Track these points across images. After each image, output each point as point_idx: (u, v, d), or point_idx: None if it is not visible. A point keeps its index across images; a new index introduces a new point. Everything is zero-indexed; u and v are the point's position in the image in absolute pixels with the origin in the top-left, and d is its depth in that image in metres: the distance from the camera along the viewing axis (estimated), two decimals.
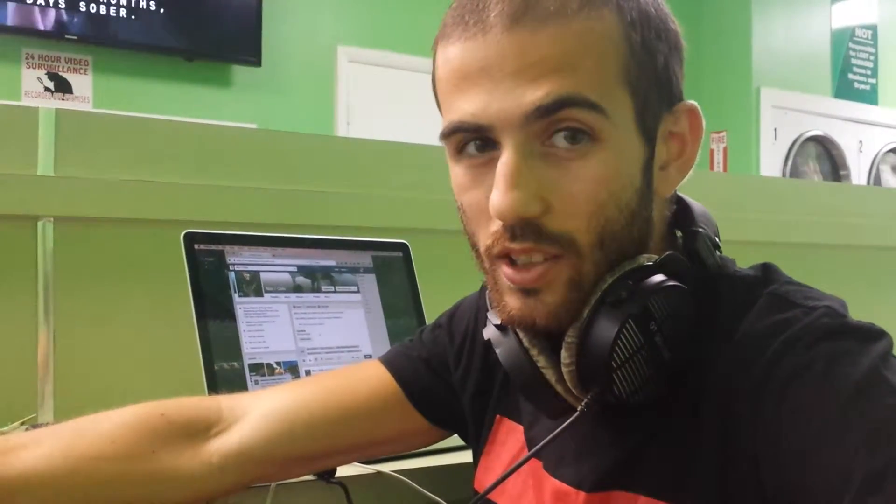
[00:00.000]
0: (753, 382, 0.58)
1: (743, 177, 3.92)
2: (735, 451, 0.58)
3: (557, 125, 0.60)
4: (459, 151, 0.65)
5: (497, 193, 0.60)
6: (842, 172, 5.40)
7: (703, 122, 0.67)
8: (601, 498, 0.67)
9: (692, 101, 0.67)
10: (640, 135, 0.63)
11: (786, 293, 0.63)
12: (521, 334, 0.66)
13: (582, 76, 0.59)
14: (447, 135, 0.64)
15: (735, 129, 5.08)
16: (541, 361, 0.65)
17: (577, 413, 0.63)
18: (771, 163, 5.06)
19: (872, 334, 0.59)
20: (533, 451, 0.65)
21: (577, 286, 0.62)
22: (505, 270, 0.63)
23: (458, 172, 0.66)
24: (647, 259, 0.63)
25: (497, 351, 0.68)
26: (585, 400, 0.63)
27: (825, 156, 5.38)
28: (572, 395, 0.65)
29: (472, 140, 0.63)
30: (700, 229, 0.67)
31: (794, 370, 0.57)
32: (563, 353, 0.63)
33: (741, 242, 1.85)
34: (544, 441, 0.64)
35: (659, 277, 0.62)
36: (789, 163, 5.15)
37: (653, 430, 0.65)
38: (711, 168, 5.10)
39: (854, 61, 5.55)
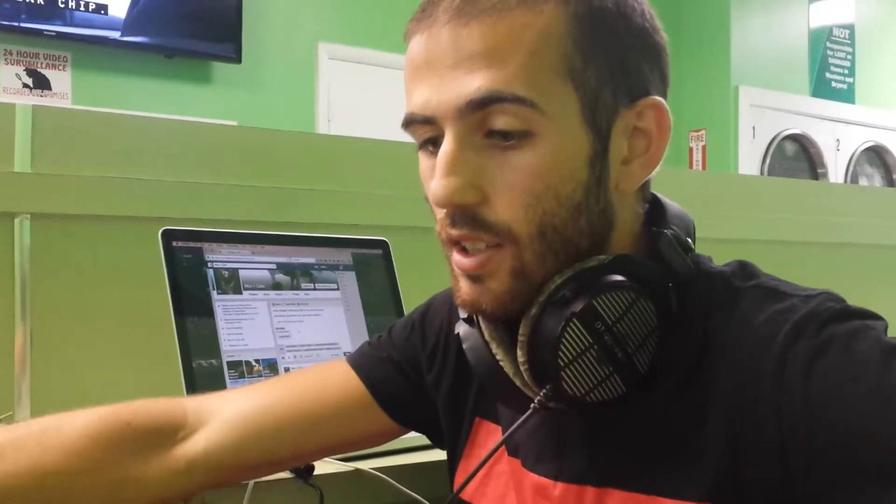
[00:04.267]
0: (769, 371, 0.58)
1: (721, 174, 3.94)
2: (752, 440, 0.58)
3: (490, 118, 0.61)
4: (422, 144, 0.67)
5: (434, 180, 0.63)
6: (819, 171, 5.44)
7: (671, 119, 0.67)
8: (578, 490, 0.67)
9: (657, 97, 0.66)
10: (587, 128, 0.63)
11: (775, 286, 0.64)
12: (483, 327, 0.68)
13: (513, 71, 0.60)
14: (404, 126, 0.67)
15: (714, 127, 5.10)
16: (499, 354, 0.67)
17: (531, 410, 0.64)
18: (749, 161, 5.09)
19: (874, 315, 0.61)
20: (497, 444, 0.68)
21: (520, 275, 0.63)
22: (454, 256, 0.66)
23: (421, 163, 0.68)
24: (599, 260, 0.64)
25: (464, 346, 0.70)
26: (538, 396, 0.64)
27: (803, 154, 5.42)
28: (530, 389, 0.66)
29: (425, 131, 0.65)
30: (668, 230, 0.67)
31: (811, 352, 0.57)
32: (518, 351, 0.64)
33: (719, 240, 1.86)
34: (507, 433, 0.66)
35: (608, 277, 0.63)
36: (767, 161, 5.18)
37: (637, 425, 0.65)
38: (690, 166, 5.12)
39: (832, 60, 5.59)
